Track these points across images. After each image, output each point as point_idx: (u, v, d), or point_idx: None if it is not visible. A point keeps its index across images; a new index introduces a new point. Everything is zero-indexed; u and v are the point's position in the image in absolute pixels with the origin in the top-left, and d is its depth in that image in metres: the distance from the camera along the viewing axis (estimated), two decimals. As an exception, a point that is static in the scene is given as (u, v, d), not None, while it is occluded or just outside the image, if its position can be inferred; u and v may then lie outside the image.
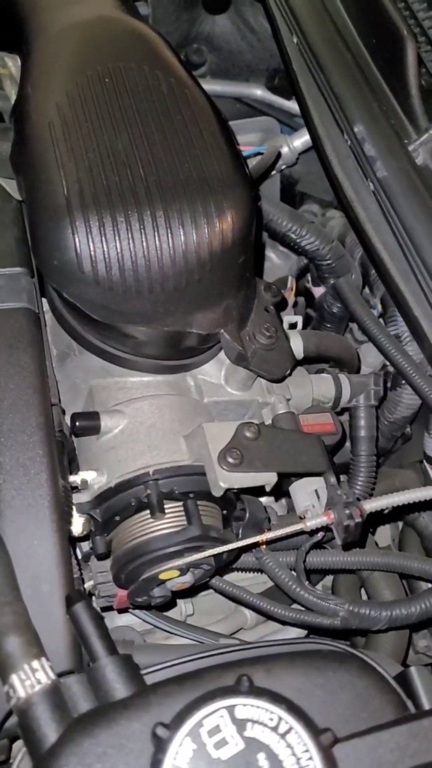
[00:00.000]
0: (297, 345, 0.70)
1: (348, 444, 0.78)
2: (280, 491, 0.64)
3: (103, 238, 0.53)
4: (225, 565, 0.63)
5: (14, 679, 0.40)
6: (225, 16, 1.08)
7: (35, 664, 0.41)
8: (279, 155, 0.93)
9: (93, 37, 0.66)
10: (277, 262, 1.02)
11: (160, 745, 0.36)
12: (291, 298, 0.90)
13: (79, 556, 0.62)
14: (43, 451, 0.52)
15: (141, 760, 0.37)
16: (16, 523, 0.50)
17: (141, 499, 0.57)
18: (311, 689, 0.41)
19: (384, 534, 0.94)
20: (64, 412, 0.62)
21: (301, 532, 0.58)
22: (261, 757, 0.36)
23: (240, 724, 0.37)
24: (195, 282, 0.56)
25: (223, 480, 0.54)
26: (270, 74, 1.08)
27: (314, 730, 0.37)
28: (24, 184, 0.60)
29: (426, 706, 0.43)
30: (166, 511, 0.56)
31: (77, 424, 0.59)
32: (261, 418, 0.65)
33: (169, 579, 0.58)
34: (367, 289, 0.88)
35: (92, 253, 0.53)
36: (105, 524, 0.59)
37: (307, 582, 0.63)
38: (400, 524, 0.93)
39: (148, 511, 0.57)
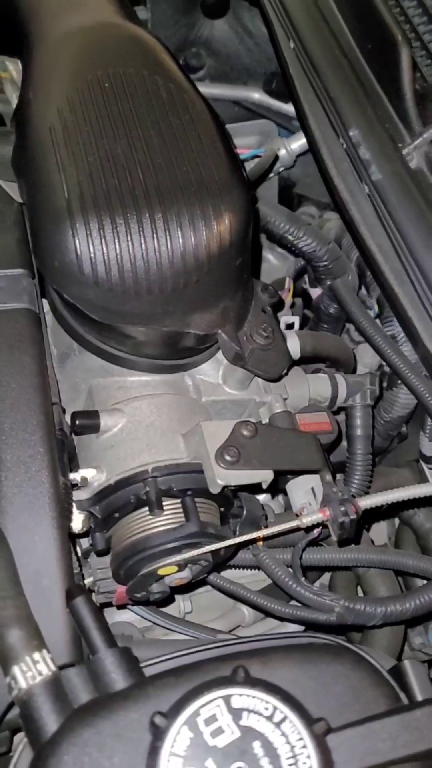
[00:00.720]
0: (294, 345, 0.71)
1: (344, 443, 0.79)
2: (276, 489, 0.65)
3: (103, 240, 0.54)
4: (222, 561, 0.64)
5: (16, 670, 0.41)
6: (223, 20, 1.10)
7: (36, 656, 0.42)
8: (276, 158, 0.95)
9: (93, 42, 0.67)
10: (274, 263, 1.03)
11: (157, 734, 0.37)
12: (288, 299, 0.91)
13: (79, 553, 0.63)
14: (43, 449, 0.53)
15: (139, 749, 0.38)
16: (18, 519, 0.51)
17: (140, 497, 0.58)
18: (306, 680, 0.42)
19: (380, 532, 0.95)
20: (64, 411, 0.63)
21: (298, 529, 0.59)
22: (256, 745, 0.37)
23: (236, 714, 0.38)
24: (193, 283, 0.57)
25: (221, 477, 0.55)
26: (268, 78, 1.10)
27: (308, 720, 0.38)
28: (25, 187, 0.61)
29: (419, 698, 0.44)
30: (165, 508, 0.57)
31: (77, 422, 0.60)
32: (258, 417, 0.66)
33: (168, 575, 0.59)
34: (363, 290, 0.89)
35: (92, 255, 0.54)
36: (104, 521, 0.60)
37: (303, 578, 0.64)
38: (397, 522, 0.94)
39: (146, 508, 0.58)
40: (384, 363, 0.88)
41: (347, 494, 0.57)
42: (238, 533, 0.63)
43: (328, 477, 0.61)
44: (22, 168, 0.62)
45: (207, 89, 1.06)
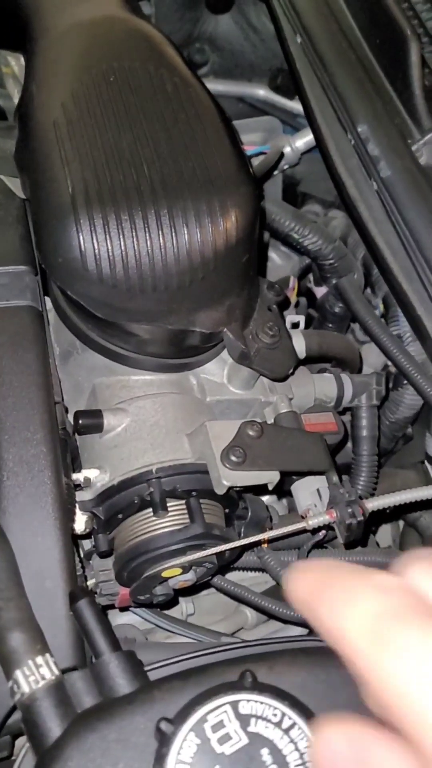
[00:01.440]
0: (299, 344, 0.70)
1: (349, 444, 0.79)
2: (282, 490, 0.64)
3: (108, 236, 0.53)
4: (227, 563, 0.63)
5: (18, 674, 0.41)
6: (228, 15, 1.09)
7: (39, 659, 0.41)
8: (282, 155, 0.94)
9: (98, 36, 0.66)
10: (278, 262, 1.03)
11: (164, 740, 0.36)
12: (293, 298, 0.90)
13: (81, 555, 0.63)
14: (46, 449, 0.52)
15: (145, 755, 0.37)
16: (20, 519, 0.50)
17: (144, 497, 0.57)
18: (314, 685, 0.41)
19: (384, 534, 0.95)
20: (67, 411, 0.62)
21: (303, 531, 0.58)
22: (264, 752, 0.36)
23: (243, 720, 0.37)
24: (199, 280, 0.56)
25: (226, 478, 0.54)
26: (273, 74, 1.09)
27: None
28: (28, 182, 0.60)
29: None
30: (169, 509, 0.57)
31: (80, 422, 0.59)
32: (263, 417, 0.65)
33: (172, 577, 0.58)
34: (368, 290, 0.89)
35: (96, 251, 0.53)
36: (107, 522, 0.59)
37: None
38: (401, 525, 0.93)
39: (150, 509, 0.57)
40: (389, 363, 0.87)
41: (354, 495, 0.56)
42: (243, 535, 0.62)
43: (335, 478, 0.60)
44: (25, 163, 0.61)
45: (211, 85, 1.04)
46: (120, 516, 0.58)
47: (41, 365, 0.55)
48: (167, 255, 0.54)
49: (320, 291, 0.95)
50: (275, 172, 0.98)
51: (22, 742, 0.52)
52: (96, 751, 0.38)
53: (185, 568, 0.58)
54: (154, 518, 0.57)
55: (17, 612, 0.43)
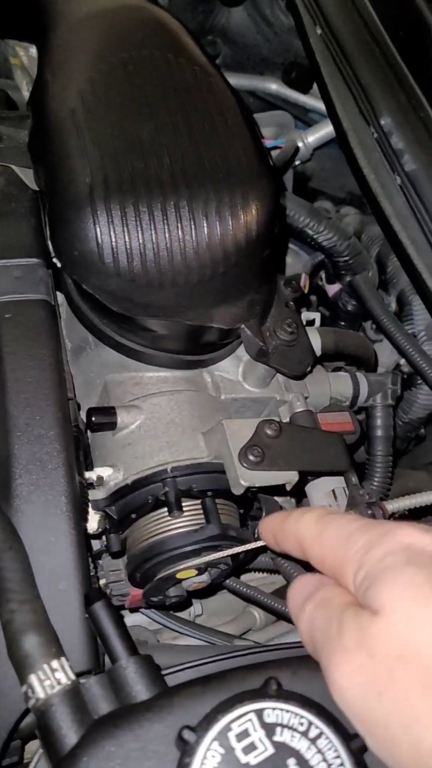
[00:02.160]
0: (315, 342, 0.69)
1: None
2: (300, 491, 0.63)
3: (126, 228, 0.51)
4: (241, 564, 0.62)
5: (33, 679, 0.39)
6: (241, 8, 1.07)
7: (55, 663, 0.40)
8: (297, 148, 0.92)
9: (116, 24, 0.64)
10: (287, 260, 1.01)
11: (187, 749, 0.35)
12: (305, 296, 0.88)
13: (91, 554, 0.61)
14: (60, 446, 0.51)
15: (165, 764, 0.36)
16: (34, 518, 0.48)
17: (158, 497, 0.56)
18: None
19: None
20: (79, 407, 0.60)
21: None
22: (291, 763, 0.35)
23: (269, 729, 0.36)
24: (219, 275, 0.54)
25: (244, 478, 0.53)
26: (287, 68, 1.07)
27: (345, 735, 0.36)
28: (43, 172, 0.58)
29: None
30: (184, 509, 0.55)
31: (93, 419, 0.57)
32: (278, 416, 0.64)
33: (186, 578, 0.57)
34: (380, 289, 0.87)
35: (114, 243, 0.52)
36: (120, 522, 0.57)
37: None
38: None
39: (165, 509, 0.55)
40: (401, 362, 0.86)
41: (374, 497, 0.55)
42: (257, 536, 0.61)
43: (354, 479, 0.59)
44: (40, 153, 0.59)
45: (223, 79, 1.03)
46: (133, 516, 0.57)
47: (55, 361, 0.54)
48: (187, 248, 0.52)
49: (332, 288, 0.94)
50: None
51: (32, 746, 0.50)
52: (114, 760, 0.37)
53: (200, 570, 0.56)
54: (168, 518, 0.55)
55: (32, 615, 0.42)
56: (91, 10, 0.66)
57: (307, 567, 0.39)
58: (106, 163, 0.53)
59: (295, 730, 0.36)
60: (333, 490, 0.64)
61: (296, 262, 1.00)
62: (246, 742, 0.35)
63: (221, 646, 0.65)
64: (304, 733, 0.36)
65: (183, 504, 0.55)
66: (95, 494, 0.58)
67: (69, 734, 0.39)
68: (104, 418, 0.58)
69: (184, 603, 0.66)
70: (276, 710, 0.36)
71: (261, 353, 0.59)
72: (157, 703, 0.39)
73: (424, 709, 0.29)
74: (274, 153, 0.89)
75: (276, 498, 0.66)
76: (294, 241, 0.95)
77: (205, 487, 0.56)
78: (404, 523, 0.34)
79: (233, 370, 0.65)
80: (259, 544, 0.57)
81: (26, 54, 1.08)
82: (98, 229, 0.51)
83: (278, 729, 0.36)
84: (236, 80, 1.09)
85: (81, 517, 0.51)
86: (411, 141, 0.61)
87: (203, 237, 0.53)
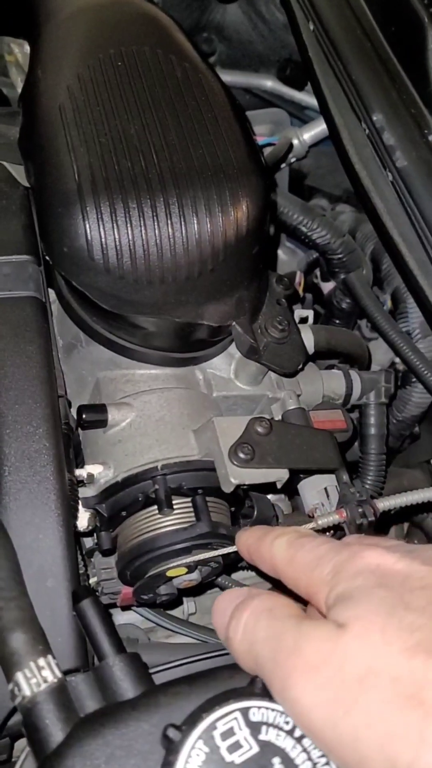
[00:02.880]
0: (308, 339, 0.69)
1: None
2: (291, 489, 0.63)
3: (115, 225, 0.51)
4: (233, 563, 0.62)
5: (19, 677, 0.39)
6: (236, 5, 1.07)
7: (41, 661, 0.40)
8: (291, 146, 0.92)
9: (106, 20, 0.64)
10: (283, 258, 1.01)
11: (171, 748, 0.35)
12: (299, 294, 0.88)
13: (83, 552, 0.61)
14: (49, 444, 0.51)
15: (150, 762, 0.36)
16: (22, 516, 0.48)
17: (148, 495, 0.55)
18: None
19: (389, 535, 0.93)
20: (70, 405, 0.60)
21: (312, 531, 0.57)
22: (276, 762, 0.35)
23: (254, 727, 0.35)
24: (208, 272, 0.54)
25: (234, 476, 0.53)
26: (282, 64, 1.07)
27: (330, 734, 0.36)
28: (33, 169, 0.58)
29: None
30: (174, 506, 0.55)
31: (84, 416, 0.57)
32: (270, 414, 0.64)
33: (176, 576, 0.57)
34: (376, 286, 0.87)
35: (103, 240, 0.51)
36: (111, 519, 0.57)
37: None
38: (405, 526, 0.92)
39: (155, 507, 0.55)
40: (396, 361, 0.86)
41: (365, 495, 0.55)
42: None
43: (345, 477, 0.58)
44: (29, 149, 0.59)
45: (218, 76, 1.03)
46: (124, 513, 0.57)
47: (44, 358, 0.54)
48: (176, 245, 0.52)
49: (327, 286, 0.94)
50: (283, 165, 0.96)
51: (21, 744, 0.50)
52: (99, 758, 0.37)
53: (190, 568, 0.56)
54: (159, 516, 0.55)
55: (19, 612, 0.42)
56: (81, 5, 0.66)
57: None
58: (94, 160, 0.52)
59: (280, 728, 0.36)
60: (325, 488, 0.64)
61: (292, 259, 0.99)
62: (231, 740, 0.35)
63: (212, 644, 0.65)
64: (290, 732, 0.36)
65: (173, 502, 0.55)
66: (86, 492, 0.57)
67: (55, 732, 0.38)
68: (95, 415, 0.58)
69: (176, 601, 0.66)
70: (261, 709, 0.36)
71: (252, 350, 0.59)
72: (142, 701, 0.39)
73: (399, 724, 0.27)
74: (268, 150, 0.89)
75: (268, 496, 0.66)
76: (289, 238, 0.95)
77: (195, 484, 0.55)
78: (372, 544, 0.34)
79: (225, 368, 0.64)
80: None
81: (21, 51, 1.08)
82: (88, 226, 0.51)
83: (263, 728, 0.36)
84: (231, 77, 1.09)
85: (70, 515, 0.51)
86: (402, 137, 0.61)
87: (192, 234, 0.52)
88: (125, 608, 0.67)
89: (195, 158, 0.54)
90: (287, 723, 0.36)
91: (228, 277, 0.56)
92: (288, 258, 1.00)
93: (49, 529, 0.48)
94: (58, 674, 0.40)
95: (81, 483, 0.58)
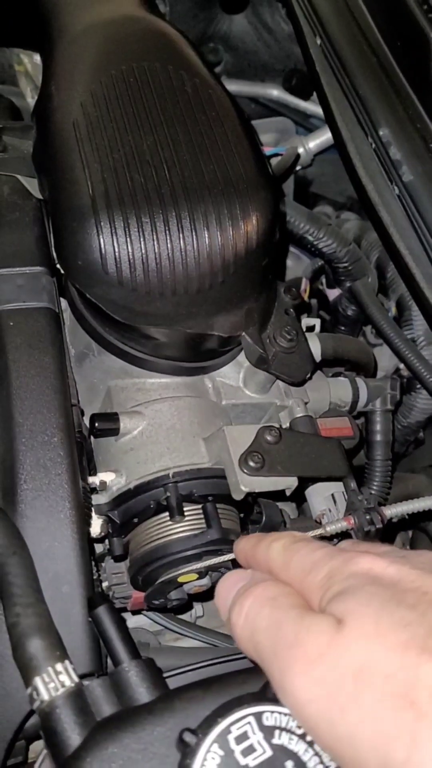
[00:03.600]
0: (315, 347, 0.70)
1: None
2: (300, 496, 0.64)
3: (128, 238, 0.52)
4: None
5: (38, 681, 0.40)
6: (242, 15, 1.08)
7: (59, 666, 0.41)
8: (298, 156, 0.93)
9: (117, 36, 0.65)
10: (288, 264, 1.02)
11: (187, 751, 0.36)
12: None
13: (94, 557, 0.62)
14: (64, 452, 0.52)
15: (166, 765, 0.37)
16: (37, 523, 0.49)
17: (160, 502, 0.56)
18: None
19: (395, 541, 0.94)
20: (83, 413, 0.61)
21: (321, 537, 0.58)
22: (289, 765, 0.36)
23: (267, 731, 0.36)
24: (218, 284, 0.55)
25: (245, 484, 0.54)
26: (287, 74, 1.08)
27: (342, 738, 0.36)
28: (47, 183, 0.59)
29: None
30: (185, 513, 0.56)
31: (96, 425, 0.58)
32: (279, 422, 0.65)
33: (187, 582, 0.58)
34: (381, 294, 0.88)
35: (117, 253, 0.53)
36: (123, 526, 0.58)
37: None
38: (409, 532, 0.93)
39: (167, 514, 0.56)
40: (400, 367, 0.87)
41: (373, 502, 0.56)
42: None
43: (353, 484, 0.59)
44: (43, 164, 0.60)
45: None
46: (135, 520, 0.58)
47: (58, 368, 0.55)
48: (187, 258, 0.53)
49: (332, 293, 0.95)
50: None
51: (37, 746, 0.51)
52: (116, 761, 0.38)
53: (201, 574, 0.57)
54: (170, 523, 0.56)
55: (36, 618, 0.43)
56: (93, 21, 0.67)
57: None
58: (108, 175, 0.54)
59: (293, 732, 0.37)
60: (332, 495, 0.65)
61: (297, 266, 1.00)
62: (245, 744, 0.36)
63: (222, 647, 0.66)
64: (302, 736, 0.36)
65: (184, 509, 0.56)
66: (98, 499, 0.58)
67: (72, 736, 0.39)
68: (107, 423, 0.59)
69: (185, 605, 0.67)
70: (274, 713, 0.37)
71: (261, 360, 0.60)
72: (158, 705, 0.40)
73: (393, 725, 0.27)
74: (275, 160, 0.90)
75: (277, 503, 0.67)
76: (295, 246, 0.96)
77: (205, 492, 0.57)
78: (365, 550, 0.35)
79: (234, 376, 0.66)
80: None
81: (30, 61, 1.09)
82: (101, 240, 0.52)
83: (276, 732, 0.37)
84: (237, 87, 1.10)
85: (84, 522, 0.52)
86: (408, 152, 0.62)
87: (203, 247, 0.54)
88: (136, 612, 0.68)
89: (206, 173, 0.55)
90: (300, 727, 0.37)
91: (238, 289, 0.57)
92: (293, 264, 1.01)
93: (64, 537, 0.49)
94: (75, 679, 0.41)
95: (94, 490, 0.59)
